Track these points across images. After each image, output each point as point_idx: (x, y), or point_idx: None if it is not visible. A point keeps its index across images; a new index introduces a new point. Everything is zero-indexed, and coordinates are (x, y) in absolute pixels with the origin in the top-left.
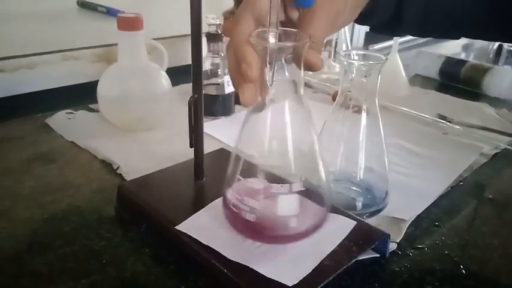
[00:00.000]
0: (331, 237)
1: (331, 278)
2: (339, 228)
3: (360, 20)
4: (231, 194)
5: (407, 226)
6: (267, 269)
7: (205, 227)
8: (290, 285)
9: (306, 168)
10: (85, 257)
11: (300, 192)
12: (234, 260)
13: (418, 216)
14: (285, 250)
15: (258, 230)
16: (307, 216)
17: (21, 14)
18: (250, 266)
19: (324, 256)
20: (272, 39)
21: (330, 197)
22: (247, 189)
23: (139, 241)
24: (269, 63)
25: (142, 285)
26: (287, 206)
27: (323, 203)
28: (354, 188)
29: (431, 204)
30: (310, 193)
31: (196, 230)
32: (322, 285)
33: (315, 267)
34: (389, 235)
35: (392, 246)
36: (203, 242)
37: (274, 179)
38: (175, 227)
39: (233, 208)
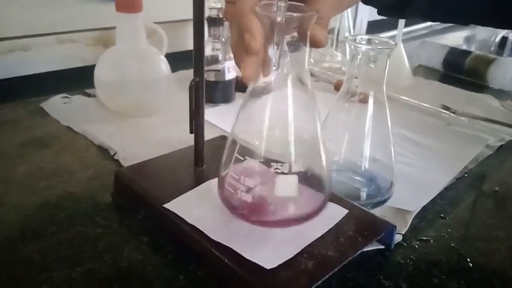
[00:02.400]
0: (319, 224)
1: (336, 270)
2: (329, 216)
3: (368, 0)
4: (227, 173)
5: (412, 217)
6: (247, 251)
7: (193, 206)
8: (268, 268)
9: (306, 155)
10: (80, 244)
11: (299, 175)
12: (217, 240)
13: (424, 208)
14: (270, 234)
15: (254, 212)
16: (306, 201)
17: None
18: (231, 247)
19: (308, 243)
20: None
21: (330, 186)
22: (245, 169)
23: (137, 229)
24: (276, 44)
25: (139, 275)
26: (285, 186)
27: (323, 190)
28: (358, 178)
29: (437, 195)
30: (309, 178)
31: (183, 209)
32: (326, 276)
33: (320, 258)
34: (395, 226)
35: (398, 238)
36: (188, 221)
37: (272, 161)
38: (163, 205)
39: (229, 188)
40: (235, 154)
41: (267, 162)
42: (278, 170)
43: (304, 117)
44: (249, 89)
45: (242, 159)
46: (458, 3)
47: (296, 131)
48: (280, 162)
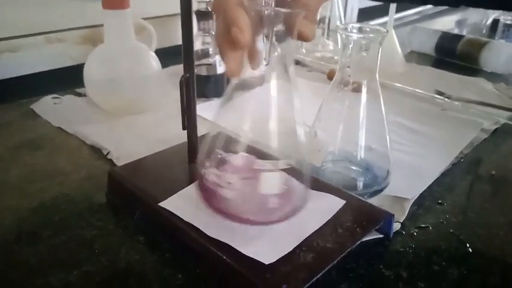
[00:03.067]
0: (317, 216)
1: (335, 262)
2: (326, 207)
3: None
4: (207, 169)
5: (410, 205)
6: (245, 247)
7: (188, 204)
8: (266, 263)
9: (288, 147)
10: (76, 246)
11: (282, 171)
12: (214, 237)
13: (421, 195)
14: (268, 228)
15: (235, 211)
16: (288, 198)
17: None
18: (229, 244)
19: (307, 235)
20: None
21: (309, 176)
22: (226, 164)
23: (133, 229)
24: (265, 37)
25: (137, 275)
26: (269, 184)
27: (305, 183)
28: (354, 168)
29: (433, 182)
30: (292, 172)
31: (178, 207)
32: (326, 269)
33: (318, 250)
34: (393, 215)
35: (396, 226)
36: (184, 219)
37: (256, 155)
38: (159, 204)
39: (209, 185)
40: (216, 149)
41: (250, 157)
42: (262, 167)
43: (288, 109)
44: (234, 81)
45: (224, 153)
46: None
47: (281, 124)
48: (264, 157)
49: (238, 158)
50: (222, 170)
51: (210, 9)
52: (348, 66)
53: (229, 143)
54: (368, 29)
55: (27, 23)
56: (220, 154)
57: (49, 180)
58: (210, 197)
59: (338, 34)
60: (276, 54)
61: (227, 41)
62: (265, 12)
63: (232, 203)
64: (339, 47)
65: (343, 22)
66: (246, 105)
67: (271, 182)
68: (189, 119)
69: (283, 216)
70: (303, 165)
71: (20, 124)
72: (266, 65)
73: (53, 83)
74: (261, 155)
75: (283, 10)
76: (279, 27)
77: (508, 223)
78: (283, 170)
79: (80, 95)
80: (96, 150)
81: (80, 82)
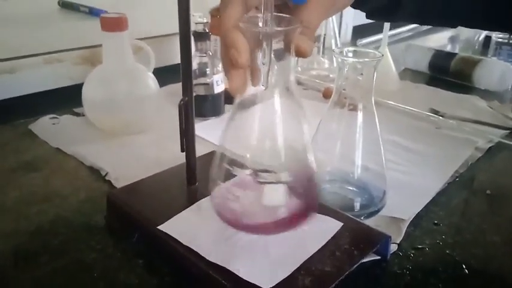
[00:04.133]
0: (315, 239)
1: (333, 285)
2: (324, 230)
3: (357, 4)
4: (218, 184)
5: (406, 226)
6: (244, 271)
7: (187, 227)
8: None
9: (294, 164)
10: (75, 271)
11: (286, 184)
12: (213, 261)
13: (417, 215)
14: (266, 251)
15: (241, 219)
16: (292, 209)
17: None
18: (228, 268)
19: (305, 259)
20: (262, 25)
21: (319, 194)
22: (234, 179)
23: (132, 252)
24: (263, 63)
25: None
26: (271, 195)
27: (311, 198)
28: (351, 188)
29: (429, 201)
30: (297, 187)
31: (177, 230)
32: None
33: (317, 274)
34: (390, 237)
35: (393, 248)
36: (183, 243)
37: (261, 171)
38: (157, 227)
39: (219, 197)
40: (225, 165)
41: (255, 172)
42: (265, 180)
43: (292, 127)
44: (237, 100)
45: (231, 169)
46: (448, 5)
47: (284, 141)
48: (268, 172)
49: (244, 173)
50: (229, 183)
51: (207, 30)
52: (344, 89)
53: (234, 161)
54: (363, 53)
55: (25, 44)
56: (228, 169)
57: (47, 203)
58: (219, 207)
59: (334, 57)
60: (275, 72)
61: (228, 61)
62: (262, 32)
63: (241, 214)
64: (335, 65)
65: (338, 40)
66: (248, 124)
67: (274, 193)
68: (187, 142)
69: (285, 226)
70: (310, 182)
71: (17, 145)
72: (265, 89)
73: (51, 103)
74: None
75: (278, 29)
76: (278, 45)
77: (505, 242)
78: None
79: (78, 115)
80: (94, 171)
81: (77, 102)
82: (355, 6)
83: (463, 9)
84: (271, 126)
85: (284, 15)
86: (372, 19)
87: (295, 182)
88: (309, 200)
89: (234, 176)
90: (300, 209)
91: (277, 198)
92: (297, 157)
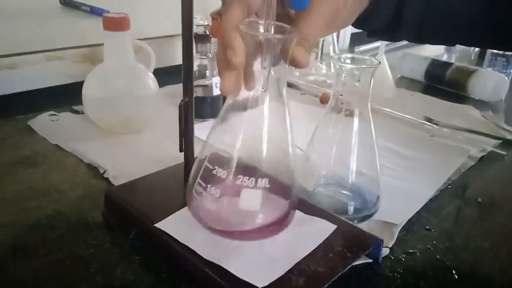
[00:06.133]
0: (309, 240)
1: (326, 286)
2: (318, 232)
3: (358, 23)
4: (195, 182)
5: (398, 230)
6: (240, 270)
7: (184, 225)
8: (260, 286)
9: (278, 166)
10: (72, 265)
11: (265, 188)
12: (209, 259)
13: (409, 220)
14: (261, 251)
15: (219, 223)
16: (270, 213)
17: (1, 12)
18: (223, 266)
19: (299, 259)
20: (262, 30)
21: (297, 197)
22: (213, 178)
23: (129, 248)
24: (263, 67)
25: None
26: (249, 200)
27: (290, 202)
28: (345, 192)
29: (422, 207)
30: (277, 190)
31: (174, 229)
32: None
33: (310, 275)
34: (382, 240)
35: (385, 251)
36: (180, 241)
37: (243, 171)
38: (154, 225)
39: (196, 196)
40: (206, 163)
41: (235, 174)
42: (244, 183)
43: (279, 131)
44: (229, 101)
45: (211, 168)
46: (448, 25)
47: (268, 145)
48: (247, 175)
49: (223, 174)
50: (207, 182)
51: (208, 33)
52: (341, 95)
53: (219, 161)
54: (361, 59)
55: (26, 40)
56: (208, 168)
57: (45, 197)
58: (197, 210)
59: (332, 63)
60: (270, 76)
61: (224, 62)
62: (260, 37)
63: (216, 216)
64: (332, 71)
65: (336, 46)
66: (239, 126)
67: (251, 198)
68: (186, 142)
69: (263, 233)
70: (291, 185)
71: (16, 140)
72: (264, 91)
73: (51, 100)
74: (247, 171)
75: (277, 36)
76: (275, 51)
77: (493, 248)
78: (266, 187)
79: (77, 112)
80: (92, 169)
81: (77, 100)
82: (356, 26)
83: (463, 28)
84: (258, 130)
85: (283, 24)
86: (373, 38)
87: (275, 188)
88: (287, 207)
89: (212, 175)
90: (278, 216)
91: (254, 203)
92: (279, 163)
